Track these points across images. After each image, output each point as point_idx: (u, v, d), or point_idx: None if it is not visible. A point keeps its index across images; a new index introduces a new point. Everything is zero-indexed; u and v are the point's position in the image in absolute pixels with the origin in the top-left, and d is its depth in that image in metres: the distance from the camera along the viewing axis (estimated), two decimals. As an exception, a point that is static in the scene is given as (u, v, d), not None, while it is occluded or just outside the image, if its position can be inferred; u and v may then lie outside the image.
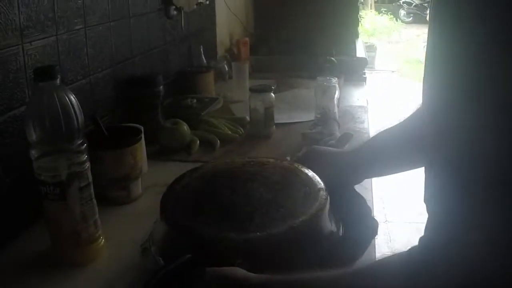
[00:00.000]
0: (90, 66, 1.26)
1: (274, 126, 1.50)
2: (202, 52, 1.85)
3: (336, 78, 1.62)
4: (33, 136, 0.81)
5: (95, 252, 0.91)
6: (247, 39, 2.21)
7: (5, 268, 0.89)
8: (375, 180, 1.19)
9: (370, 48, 7.33)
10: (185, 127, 1.39)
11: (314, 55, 2.08)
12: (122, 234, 0.98)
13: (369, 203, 0.93)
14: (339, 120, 1.51)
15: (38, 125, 0.80)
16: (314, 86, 1.54)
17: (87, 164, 0.87)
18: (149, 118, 1.42)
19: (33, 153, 0.82)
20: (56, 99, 0.80)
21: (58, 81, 0.81)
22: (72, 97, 0.83)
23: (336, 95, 1.54)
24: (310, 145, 1.31)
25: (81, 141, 0.85)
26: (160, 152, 1.37)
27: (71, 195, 0.84)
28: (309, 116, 1.57)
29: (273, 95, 1.46)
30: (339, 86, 1.77)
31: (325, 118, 1.50)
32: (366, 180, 1.04)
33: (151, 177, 1.23)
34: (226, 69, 1.92)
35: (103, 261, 0.91)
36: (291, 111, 1.66)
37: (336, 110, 1.53)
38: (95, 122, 1.09)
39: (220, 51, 2.19)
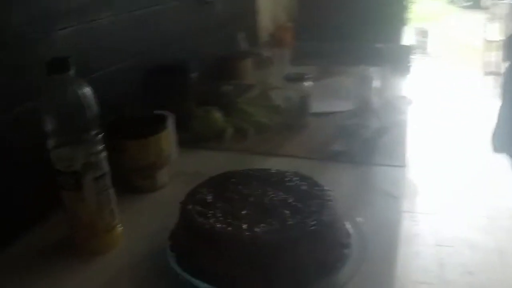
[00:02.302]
0: (121, 53, 1.26)
1: (310, 116, 1.46)
2: (241, 37, 1.82)
3: (375, 67, 1.57)
4: (47, 127, 0.82)
5: (112, 241, 0.92)
6: (290, 24, 2.17)
7: (26, 253, 0.92)
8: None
9: (422, 33, 7.03)
10: (218, 114, 1.38)
11: (359, 42, 2.02)
12: (144, 222, 0.99)
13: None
14: (378, 111, 1.46)
15: (51, 116, 0.81)
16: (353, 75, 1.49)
17: (103, 154, 0.87)
18: (181, 106, 1.41)
19: (49, 143, 0.83)
20: (68, 92, 0.80)
21: (71, 72, 0.81)
22: (86, 88, 0.83)
23: (375, 84, 1.49)
24: (345, 137, 1.28)
25: (96, 132, 0.85)
26: (192, 139, 1.36)
27: (86, 185, 0.85)
28: (348, 106, 1.52)
29: (308, 83, 1.43)
30: (382, 75, 1.72)
31: (363, 108, 1.46)
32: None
33: (181, 165, 1.23)
34: (266, 55, 1.89)
35: (120, 250, 0.93)
36: (330, 100, 1.62)
37: (374, 100, 1.48)
38: (121, 110, 1.09)
39: (263, 36, 2.16)
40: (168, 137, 1.11)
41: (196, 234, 0.77)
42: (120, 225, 0.95)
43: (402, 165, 1.17)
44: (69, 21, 1.08)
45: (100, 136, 0.86)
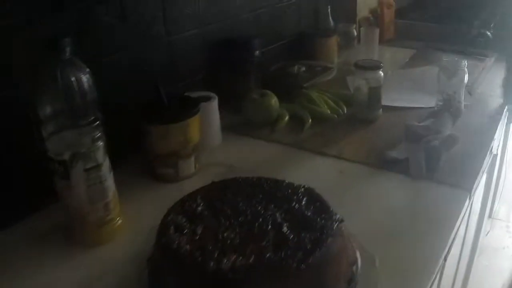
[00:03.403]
0: (178, 24, 1.17)
1: (381, 110, 1.28)
2: (329, 12, 1.65)
3: (477, 58, 1.34)
4: (39, 111, 0.75)
5: (106, 235, 0.85)
6: (392, 0, 1.94)
7: (20, 238, 0.88)
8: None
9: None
10: (274, 100, 1.25)
11: (468, 26, 1.75)
12: (151, 215, 0.87)
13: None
14: (463, 111, 1.24)
15: (41, 101, 0.74)
16: (440, 67, 1.28)
17: (98, 144, 0.79)
18: (239, 86, 1.31)
19: (42, 128, 0.77)
20: (61, 74, 0.73)
21: (66, 54, 0.73)
22: (82, 73, 0.75)
23: (465, 80, 1.27)
24: (409, 142, 1.10)
25: (91, 119, 0.77)
26: (243, 124, 1.25)
27: (75, 176, 0.79)
28: (430, 102, 1.32)
29: (381, 73, 1.24)
30: (487, 66, 1.48)
31: (444, 109, 1.25)
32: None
33: (218, 153, 1.14)
34: (355, 33, 1.70)
35: (115, 244, 0.86)
36: (413, 93, 1.42)
37: (461, 99, 1.26)
38: (156, 90, 1.00)
39: (363, 12, 1.95)
40: (197, 124, 1.01)
41: (162, 249, 0.67)
42: (119, 218, 0.87)
43: (466, 189, 0.97)
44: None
45: (96, 124, 0.78)
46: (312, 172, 1.05)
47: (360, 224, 0.84)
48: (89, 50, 0.96)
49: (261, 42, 1.34)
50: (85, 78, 0.75)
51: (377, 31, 1.61)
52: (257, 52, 1.31)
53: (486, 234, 2.26)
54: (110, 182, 0.83)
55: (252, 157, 1.13)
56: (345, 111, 1.32)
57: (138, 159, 1.06)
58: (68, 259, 0.83)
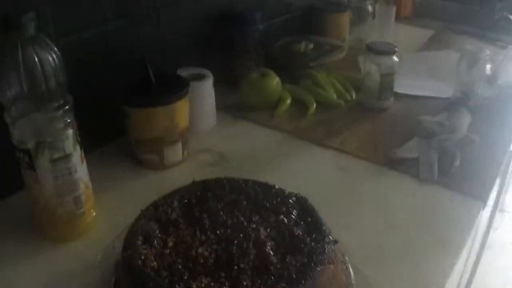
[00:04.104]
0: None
1: (392, 98, 1.18)
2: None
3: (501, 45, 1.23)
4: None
5: (76, 231, 0.78)
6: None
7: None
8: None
9: None
10: (275, 81, 1.15)
11: (491, 8, 1.62)
12: (130, 207, 0.74)
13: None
14: (480, 106, 1.14)
15: (1, 83, 0.65)
16: (460, 54, 1.17)
17: (66, 133, 0.70)
18: (237, 63, 1.21)
19: (5, 113, 0.68)
20: (20, 55, 0.63)
21: (28, 31, 0.63)
22: (47, 52, 0.65)
23: (488, 71, 1.16)
24: (422, 138, 1.00)
25: (55, 105, 0.67)
26: (240, 106, 1.15)
27: (40, 167, 0.70)
28: (447, 92, 1.21)
29: (395, 58, 1.13)
30: (510, 55, 1.36)
31: (461, 101, 1.14)
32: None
33: (210, 138, 1.05)
34: (370, 9, 1.57)
35: (85, 240, 0.77)
36: (428, 79, 1.31)
37: (480, 92, 1.15)
38: (143, 65, 0.90)
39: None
40: (185, 108, 0.92)
41: (126, 264, 0.59)
42: (93, 211, 0.79)
43: (481, 199, 0.87)
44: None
45: (63, 111, 0.69)
46: (310, 167, 0.96)
47: (357, 235, 0.76)
48: (65, 24, 0.86)
49: (264, 15, 1.22)
50: (50, 58, 0.65)
51: (394, 8, 1.49)
52: (258, 26, 1.20)
53: (496, 230, 2.15)
54: (81, 173, 0.74)
55: (246, 144, 1.04)
56: (354, 97, 1.22)
57: (123, 142, 0.97)
58: (33, 255, 0.75)
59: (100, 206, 0.82)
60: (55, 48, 0.66)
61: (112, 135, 0.99)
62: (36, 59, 0.64)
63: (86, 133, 0.85)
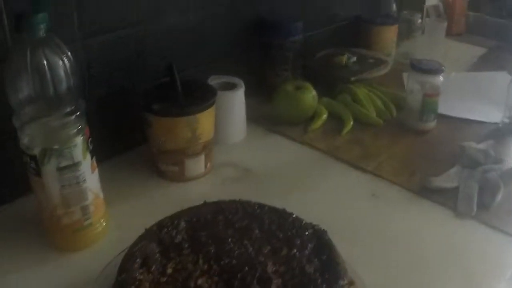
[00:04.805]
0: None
1: (435, 121, 1.10)
2: (392, -2, 1.44)
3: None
4: (9, 98, 0.63)
5: (81, 242, 0.74)
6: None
7: None
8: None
9: None
10: (311, 94, 1.09)
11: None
12: (144, 220, 0.68)
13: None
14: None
15: (11, 86, 0.62)
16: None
17: (74, 141, 0.66)
18: (273, 74, 1.15)
19: (14, 116, 0.65)
20: (28, 57, 0.60)
21: (38, 33, 0.60)
22: (57, 55, 0.62)
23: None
24: (463, 166, 0.92)
25: (64, 112, 0.64)
26: (273, 119, 1.10)
27: (47, 174, 0.67)
28: (495, 117, 1.12)
29: (441, 78, 1.06)
30: None
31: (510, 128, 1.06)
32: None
33: (239, 150, 1.01)
34: (420, 23, 1.49)
35: (92, 253, 0.74)
36: (476, 101, 1.22)
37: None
38: (170, 72, 0.87)
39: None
40: (210, 119, 0.87)
41: (116, 286, 0.54)
42: (103, 221, 0.75)
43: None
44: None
45: (73, 117, 0.65)
46: (340, 191, 0.90)
47: (379, 273, 0.69)
48: (93, 24, 0.83)
49: (305, 24, 1.16)
50: (61, 62, 0.61)
51: (445, 23, 1.41)
52: (299, 36, 1.14)
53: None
54: (91, 183, 0.71)
55: (275, 160, 0.99)
56: (394, 115, 1.14)
57: (145, 150, 0.94)
58: (37, 262, 0.72)
59: (112, 217, 0.79)
60: (68, 52, 0.63)
61: (134, 142, 0.95)
62: (45, 62, 0.60)
63: (105, 138, 0.82)
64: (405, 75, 1.28)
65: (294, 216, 0.64)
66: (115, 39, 0.88)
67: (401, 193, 0.89)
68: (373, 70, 1.27)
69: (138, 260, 0.57)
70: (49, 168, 0.66)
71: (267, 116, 1.11)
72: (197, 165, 0.89)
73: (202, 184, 0.91)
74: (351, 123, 1.10)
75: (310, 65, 1.23)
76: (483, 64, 1.45)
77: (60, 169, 0.66)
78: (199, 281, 0.54)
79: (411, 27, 1.47)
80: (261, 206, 0.65)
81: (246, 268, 0.55)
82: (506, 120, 1.08)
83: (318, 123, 1.09)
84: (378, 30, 1.40)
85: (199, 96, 0.87)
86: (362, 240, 0.76)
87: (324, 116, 1.11)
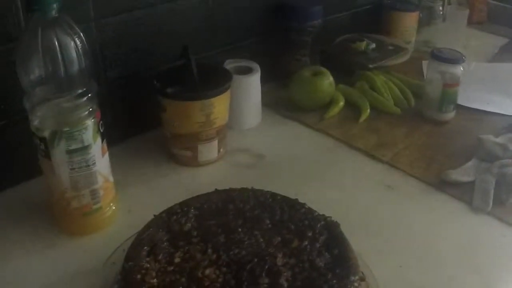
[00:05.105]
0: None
1: (454, 111, 1.07)
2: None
3: None
4: (20, 79, 0.62)
5: (90, 226, 0.73)
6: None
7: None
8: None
9: None
10: (328, 81, 1.07)
11: None
12: (155, 205, 0.68)
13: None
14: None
15: (22, 67, 0.61)
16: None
17: (85, 124, 0.65)
18: (290, 58, 1.14)
19: (24, 100, 0.64)
20: (39, 37, 0.58)
21: (50, 13, 0.58)
22: (69, 36, 0.60)
23: None
24: (480, 160, 0.90)
25: (75, 94, 0.63)
26: (289, 105, 1.08)
27: (56, 157, 0.66)
28: (513, 110, 1.10)
29: (461, 68, 1.03)
30: None
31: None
32: None
33: (254, 135, 1.00)
34: (441, 11, 1.45)
35: (100, 237, 0.73)
36: (495, 94, 1.18)
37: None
38: (185, 55, 0.85)
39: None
40: (224, 104, 0.86)
41: (124, 277, 0.53)
42: (112, 205, 0.74)
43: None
44: None
45: (85, 99, 0.64)
46: (355, 181, 0.88)
47: (391, 267, 0.68)
48: (108, 3, 0.82)
49: (325, 9, 1.13)
50: (73, 43, 0.60)
51: (467, 12, 1.37)
52: (317, 21, 1.11)
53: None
54: (101, 166, 0.70)
55: (289, 147, 0.97)
56: (413, 105, 1.12)
57: (158, 134, 0.93)
58: (45, 245, 0.72)
59: (123, 201, 0.78)
60: (80, 33, 0.62)
61: (147, 126, 0.94)
62: (56, 42, 0.59)
63: (118, 121, 0.81)
64: (424, 64, 1.25)
65: (306, 207, 0.62)
66: (130, 20, 0.86)
67: (416, 185, 0.87)
68: (392, 58, 1.25)
69: (145, 247, 0.56)
70: (59, 151, 0.65)
71: (283, 101, 1.09)
72: (210, 150, 0.88)
73: (214, 170, 0.89)
74: (368, 111, 1.07)
75: (328, 51, 1.20)
76: (505, 54, 1.41)
77: (70, 152, 0.66)
78: (207, 271, 0.53)
79: (432, 14, 1.43)
80: (273, 195, 0.64)
81: (256, 259, 0.54)
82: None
83: (335, 110, 1.07)
84: (398, 16, 1.37)
85: (214, 80, 0.85)
86: (375, 233, 0.74)
87: (341, 103, 1.09)
